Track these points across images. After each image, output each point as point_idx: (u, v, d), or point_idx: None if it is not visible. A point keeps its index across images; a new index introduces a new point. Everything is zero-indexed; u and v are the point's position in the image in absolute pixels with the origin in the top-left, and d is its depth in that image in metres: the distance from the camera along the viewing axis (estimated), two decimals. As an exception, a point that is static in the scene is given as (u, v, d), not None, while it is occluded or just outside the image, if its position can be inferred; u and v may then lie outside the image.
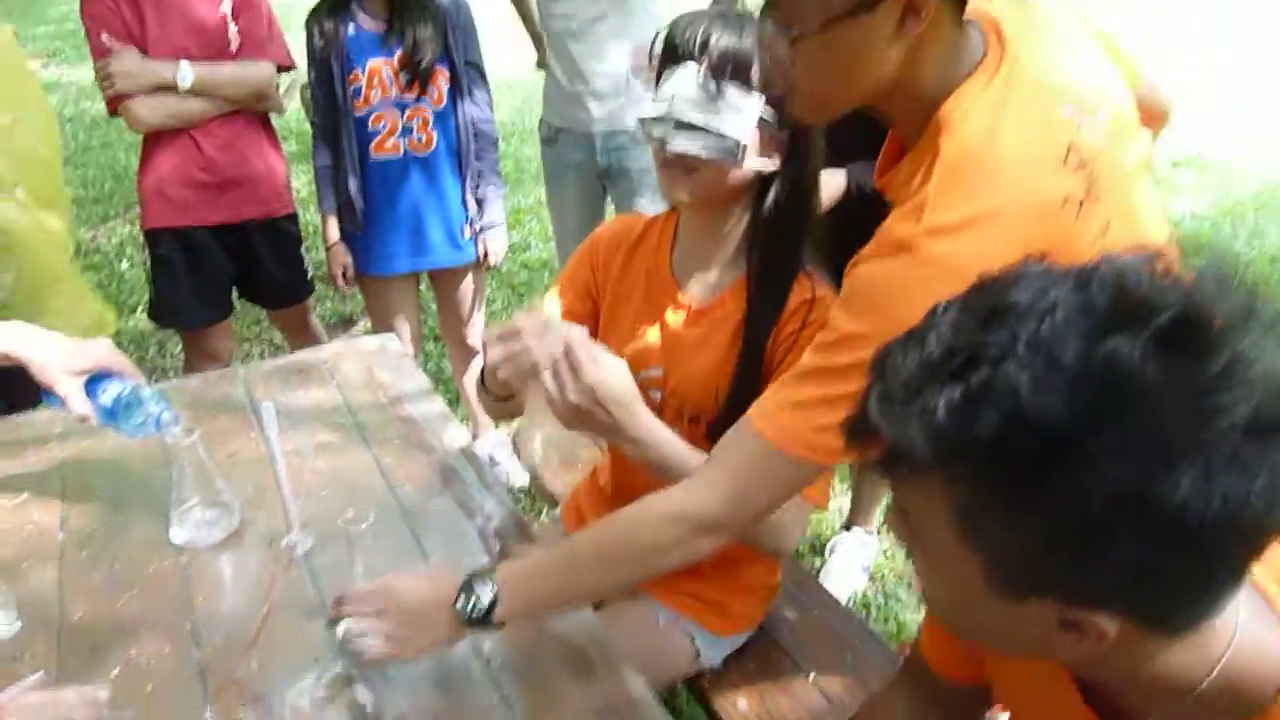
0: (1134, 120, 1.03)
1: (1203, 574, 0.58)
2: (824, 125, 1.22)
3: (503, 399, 1.36)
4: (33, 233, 1.94)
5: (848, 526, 2.44)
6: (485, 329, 2.27)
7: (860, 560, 2.38)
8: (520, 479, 2.70)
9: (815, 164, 1.27)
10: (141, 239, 2.38)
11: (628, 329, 1.42)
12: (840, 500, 2.56)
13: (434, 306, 2.71)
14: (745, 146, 1.21)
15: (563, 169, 2.52)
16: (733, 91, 1.18)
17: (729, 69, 1.18)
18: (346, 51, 2.21)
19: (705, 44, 1.18)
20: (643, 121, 1.25)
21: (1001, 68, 0.93)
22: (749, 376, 1.31)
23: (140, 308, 3.75)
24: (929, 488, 0.61)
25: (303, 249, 2.52)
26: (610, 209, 2.60)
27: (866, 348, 0.90)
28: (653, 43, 1.27)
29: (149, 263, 2.36)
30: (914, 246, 0.89)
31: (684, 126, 1.20)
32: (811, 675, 1.50)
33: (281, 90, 2.40)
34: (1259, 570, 0.69)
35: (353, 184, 2.29)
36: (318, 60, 2.24)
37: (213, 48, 2.22)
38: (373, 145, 2.28)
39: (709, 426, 1.35)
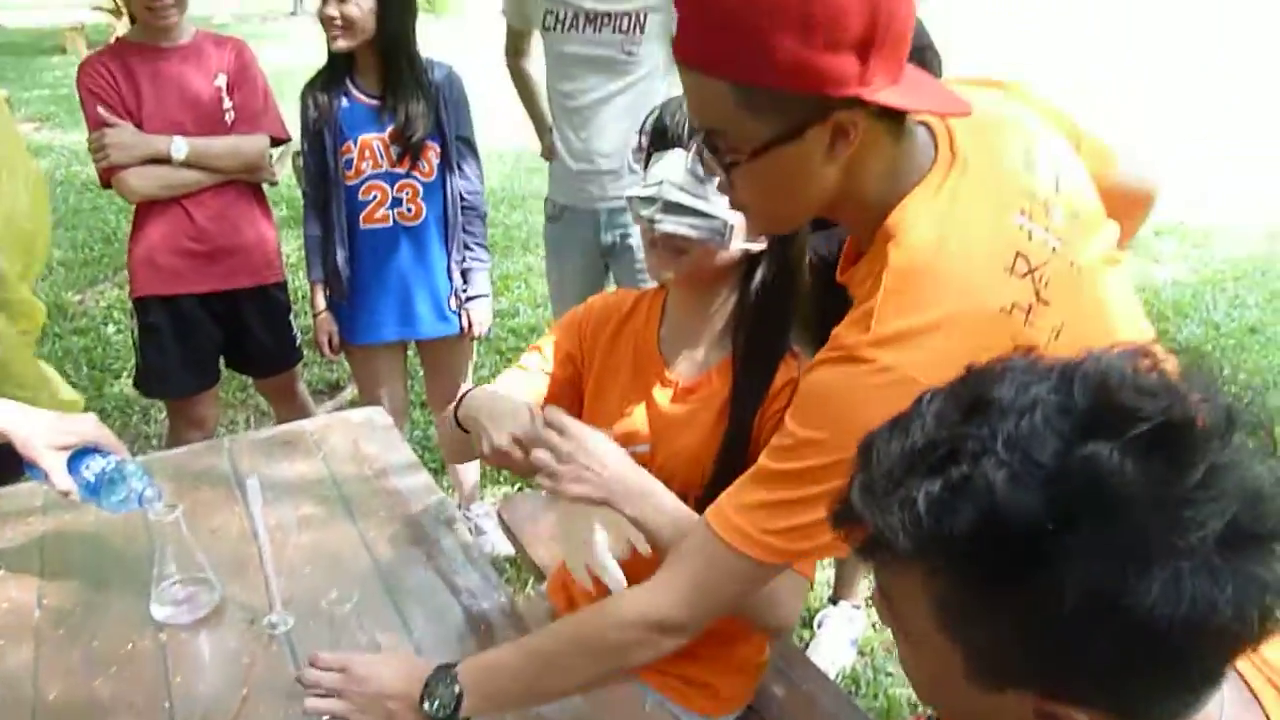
0: (1096, 215, 1.05)
1: (1177, 674, 0.58)
2: (787, 233, 1.25)
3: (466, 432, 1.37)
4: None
5: (834, 600, 2.42)
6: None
7: (848, 634, 2.36)
8: (505, 549, 2.68)
9: (802, 245, 1.29)
10: (130, 306, 2.39)
11: (615, 404, 1.43)
12: (826, 572, 2.55)
13: (421, 373, 2.72)
14: (733, 227, 1.23)
15: (566, 246, 2.55)
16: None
17: None
18: (340, 124, 2.25)
19: (694, 129, 1.21)
20: (631, 201, 1.28)
21: (950, 175, 0.95)
22: (735, 455, 1.31)
23: (126, 373, 3.74)
24: (910, 576, 0.62)
25: (291, 316, 2.53)
26: (612, 286, 2.63)
27: (818, 454, 0.94)
28: (642, 125, 1.30)
29: (137, 331, 2.36)
30: (861, 355, 0.90)
31: (673, 208, 1.23)
32: (800, 755, 1.48)
33: (274, 159, 2.44)
34: (1244, 665, 0.69)
35: (340, 254, 2.31)
36: (311, 131, 2.28)
37: (208, 121, 2.25)
38: (362, 215, 2.31)
39: (696, 502, 1.35)
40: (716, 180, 1.21)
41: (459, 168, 2.37)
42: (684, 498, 1.38)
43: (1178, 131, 7.51)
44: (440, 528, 1.57)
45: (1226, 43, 12.32)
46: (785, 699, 1.58)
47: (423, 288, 2.40)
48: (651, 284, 1.67)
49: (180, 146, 2.19)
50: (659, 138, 1.26)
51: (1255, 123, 8.02)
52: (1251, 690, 0.69)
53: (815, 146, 0.89)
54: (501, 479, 3.10)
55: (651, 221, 1.24)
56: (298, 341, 2.57)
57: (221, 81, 2.26)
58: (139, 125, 2.20)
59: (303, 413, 2.66)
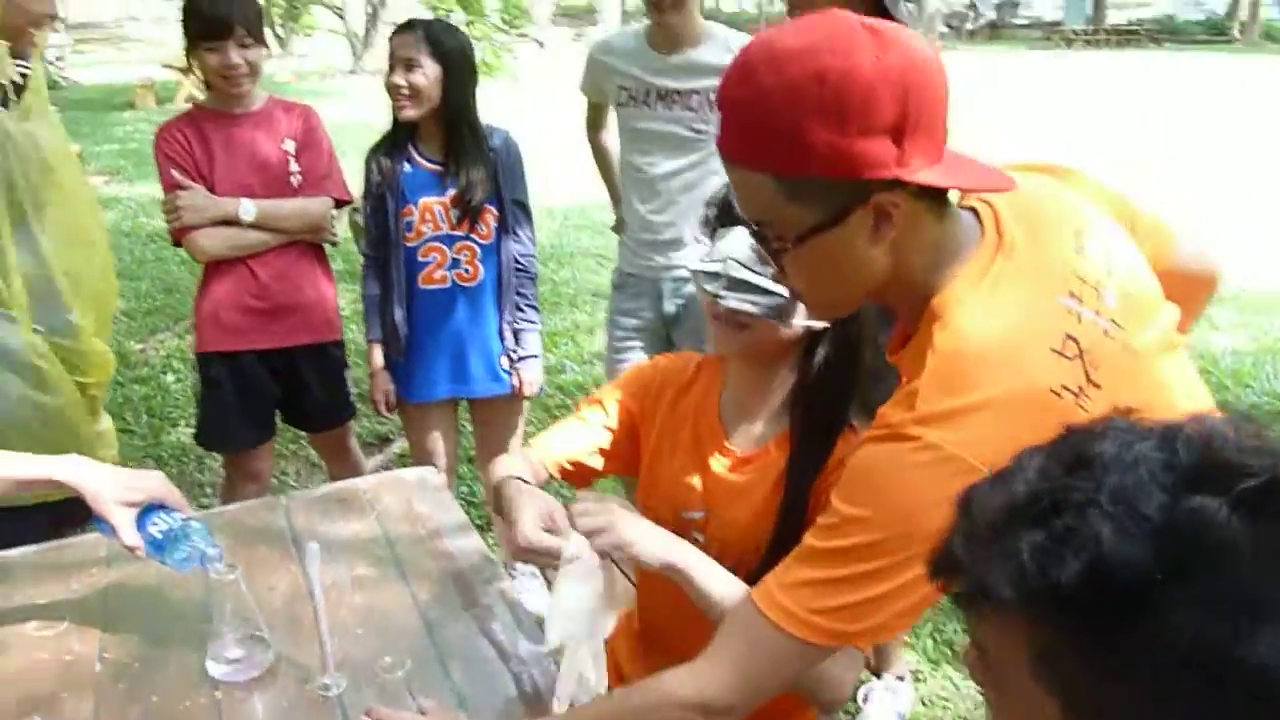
0: (1152, 298, 1.04)
1: None
2: (843, 317, 1.26)
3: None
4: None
5: (876, 673, 2.38)
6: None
7: (895, 708, 2.32)
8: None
9: (862, 323, 1.30)
10: (193, 360, 2.46)
11: (673, 468, 1.44)
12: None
13: (469, 427, 2.75)
14: (795, 305, 1.24)
15: (628, 314, 2.62)
16: None
17: None
18: (402, 188, 2.32)
19: (744, 220, 1.24)
20: (696, 275, 1.30)
21: (997, 258, 0.96)
22: (790, 529, 1.31)
23: (184, 422, 3.83)
24: (1009, 628, 0.62)
25: (346, 373, 2.58)
26: None
27: (863, 532, 0.94)
28: (710, 201, 1.34)
29: (199, 385, 2.43)
30: (906, 433, 0.91)
31: (737, 284, 1.25)
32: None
33: (334, 219, 2.51)
34: None
35: (399, 313, 2.37)
36: (374, 194, 2.35)
37: (275, 184, 2.33)
38: (421, 276, 2.36)
39: (749, 575, 1.35)
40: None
41: (514, 231, 2.43)
42: (735, 570, 1.38)
43: (1231, 201, 7.43)
44: (491, 592, 1.58)
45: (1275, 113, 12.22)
46: (834, 777, 1.55)
47: (476, 347, 2.44)
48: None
49: (249, 209, 2.27)
50: (724, 214, 1.29)
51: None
52: None
53: (859, 230, 0.91)
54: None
55: (716, 297, 1.27)
56: (351, 397, 2.62)
57: (290, 146, 2.34)
58: (210, 187, 2.28)
59: (354, 467, 2.71)
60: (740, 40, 2.34)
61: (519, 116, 8.87)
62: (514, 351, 2.48)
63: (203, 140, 2.29)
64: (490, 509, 2.80)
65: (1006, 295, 0.94)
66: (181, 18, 2.23)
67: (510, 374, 2.50)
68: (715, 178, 2.42)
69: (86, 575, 1.62)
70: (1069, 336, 0.93)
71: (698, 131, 2.36)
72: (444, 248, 2.35)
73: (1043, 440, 0.67)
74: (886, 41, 0.87)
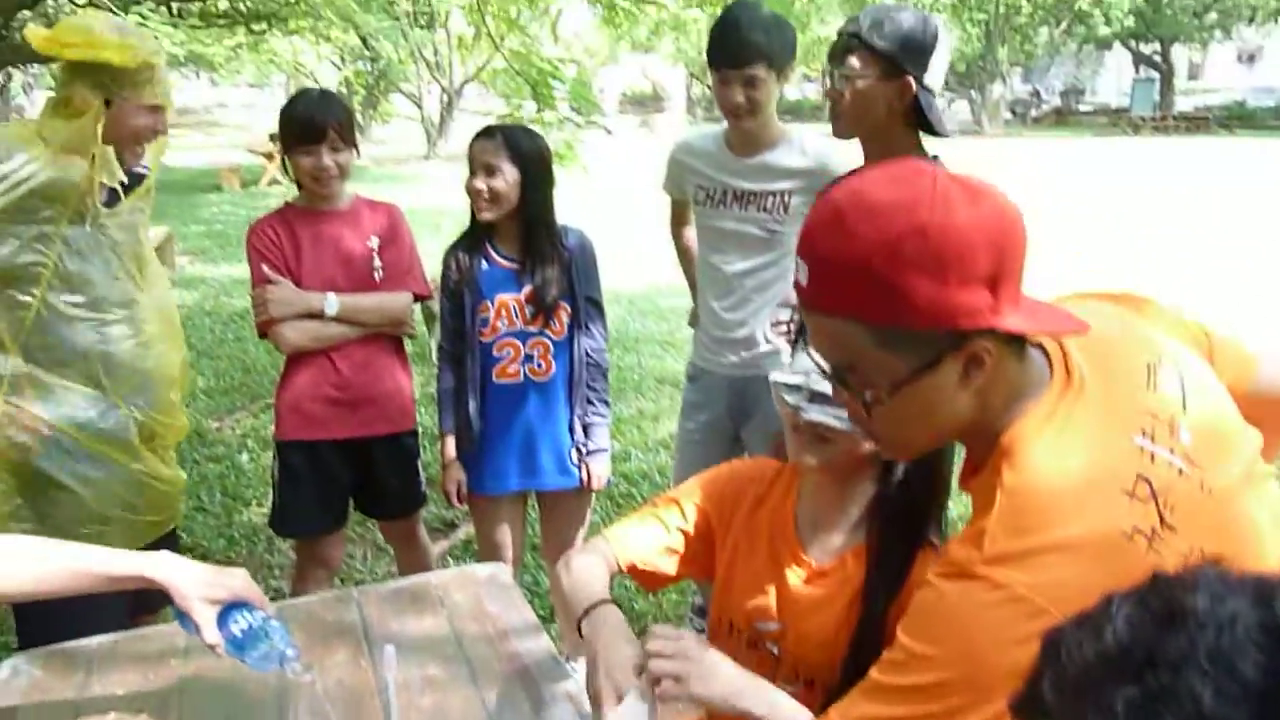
0: (1232, 430, 1.02)
1: None
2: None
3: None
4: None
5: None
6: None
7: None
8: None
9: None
10: (267, 440, 2.52)
11: (748, 578, 1.43)
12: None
13: (534, 514, 2.76)
14: None
15: (698, 408, 2.64)
16: None
17: None
18: (479, 285, 2.38)
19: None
20: (777, 385, 1.31)
21: (1066, 396, 0.95)
22: (867, 646, 1.28)
23: (255, 502, 3.90)
24: None
25: (419, 462, 2.62)
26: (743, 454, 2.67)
27: (929, 670, 0.92)
28: (793, 313, 1.35)
29: (277, 471, 2.49)
30: (974, 573, 0.90)
31: (819, 397, 1.25)
32: None
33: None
34: None
35: (472, 406, 2.41)
36: (451, 291, 2.41)
37: (358, 278, 2.41)
38: (495, 370, 2.41)
39: (825, 691, 1.33)
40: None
41: (587, 326, 2.47)
42: (811, 683, 1.36)
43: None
44: (558, 694, 1.57)
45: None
46: None
47: (547, 441, 2.47)
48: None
49: (333, 303, 2.35)
50: (806, 328, 1.30)
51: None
52: None
53: (950, 376, 0.92)
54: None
55: (797, 409, 1.27)
56: (423, 486, 2.66)
57: (374, 243, 2.43)
58: (297, 281, 2.37)
59: (422, 554, 2.73)
60: (815, 144, 2.38)
61: (587, 202, 9.06)
62: (584, 445, 2.50)
63: (292, 236, 2.39)
64: (554, 599, 2.79)
65: (1077, 434, 0.94)
66: (280, 122, 2.35)
67: (579, 467, 2.51)
68: (789, 279, 2.45)
69: (165, 667, 1.64)
70: (1141, 477, 0.92)
71: (771, 232, 2.40)
72: (518, 343, 2.39)
73: (1115, 584, 0.66)
74: (976, 193, 0.89)
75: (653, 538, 1.49)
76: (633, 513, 1.57)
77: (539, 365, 2.42)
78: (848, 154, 2.12)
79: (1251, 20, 29.12)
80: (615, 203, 11.94)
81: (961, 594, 0.91)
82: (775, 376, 1.32)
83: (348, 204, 2.45)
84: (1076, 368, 0.97)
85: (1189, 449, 0.95)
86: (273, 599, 2.10)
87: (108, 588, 1.35)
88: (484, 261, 2.39)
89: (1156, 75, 31.20)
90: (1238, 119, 27.75)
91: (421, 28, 18.13)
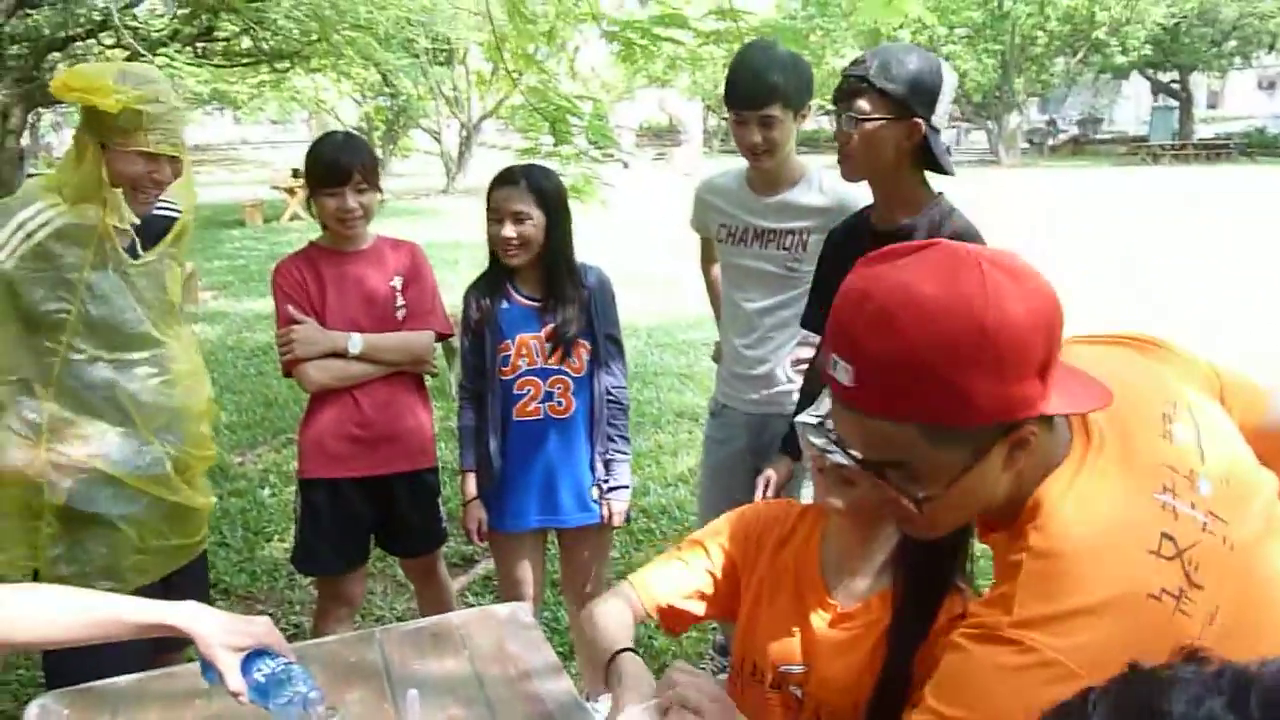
0: (1249, 475, 1.02)
1: None
2: None
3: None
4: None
5: None
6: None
7: None
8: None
9: None
10: (289, 475, 2.53)
11: (772, 620, 1.43)
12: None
13: (552, 550, 2.76)
14: None
15: (719, 444, 2.65)
16: None
17: None
18: (500, 324, 2.40)
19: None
20: (802, 426, 1.31)
21: (1088, 456, 0.95)
22: (891, 691, 1.28)
23: (277, 537, 3.92)
24: None
25: (439, 499, 2.63)
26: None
27: None
28: (818, 352, 1.36)
29: (299, 509, 2.50)
30: (1004, 636, 0.89)
31: (845, 440, 1.25)
32: None
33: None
34: None
35: (493, 443, 2.42)
36: (472, 330, 2.44)
37: (381, 316, 2.44)
38: (516, 408, 2.42)
39: (848, 734, 1.32)
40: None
41: (607, 364, 2.48)
42: (834, 727, 1.35)
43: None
44: (582, 741, 1.56)
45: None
46: None
47: (567, 478, 2.47)
48: (803, 496, 1.68)
49: (356, 342, 2.38)
50: None
51: None
52: None
53: (996, 461, 0.92)
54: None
55: (823, 452, 1.27)
56: (443, 522, 2.67)
57: (397, 282, 2.46)
58: (321, 320, 2.40)
59: (442, 590, 2.73)
60: (833, 182, 2.40)
61: (604, 235, 9.11)
62: (604, 481, 2.51)
63: (316, 276, 2.42)
64: (575, 640, 2.79)
65: (1100, 495, 0.94)
66: (305, 164, 2.39)
67: (600, 504, 2.52)
68: None
69: (189, 707, 1.65)
70: (1165, 535, 0.91)
71: (791, 270, 2.41)
72: (538, 381, 2.41)
73: (1143, 645, 0.65)
74: (1020, 278, 0.88)
75: (678, 581, 1.49)
76: (658, 556, 1.57)
77: (559, 403, 2.43)
78: (865, 192, 2.14)
79: (1271, 48, 29.11)
80: (632, 236, 12.01)
81: (992, 658, 0.90)
82: (801, 418, 1.32)
83: (371, 243, 2.49)
84: (1095, 425, 0.97)
85: (1210, 501, 0.95)
86: (293, 635, 2.12)
87: (135, 635, 1.37)
88: (504, 301, 2.42)
89: (1175, 103, 31.18)
90: (1259, 146, 27.65)
91: (440, 64, 18.44)
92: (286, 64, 17.14)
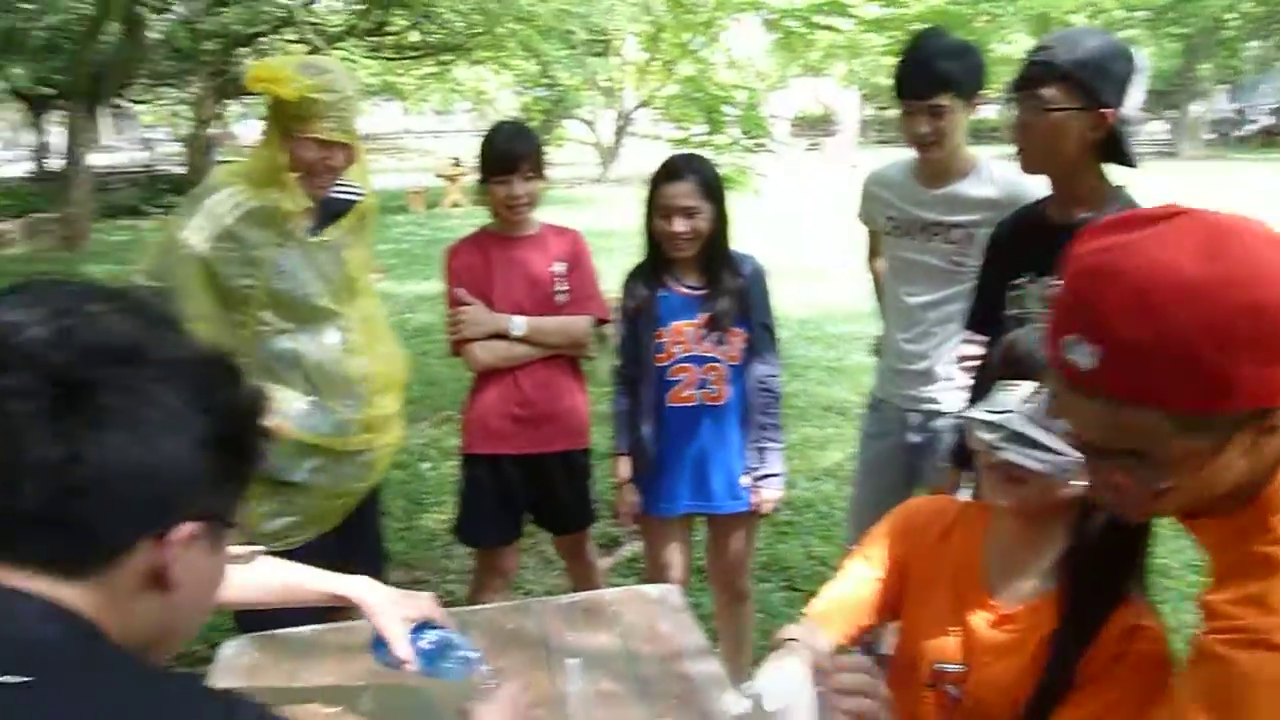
0: None
1: None
2: None
3: None
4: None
5: None
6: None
7: None
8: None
9: None
10: (447, 451, 2.65)
11: (932, 618, 1.41)
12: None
13: (697, 537, 2.79)
14: (1079, 466, 1.20)
15: (875, 439, 2.62)
16: None
17: None
18: (657, 311, 2.44)
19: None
20: (972, 421, 1.28)
21: None
22: (1050, 696, 1.24)
23: (435, 508, 4.12)
24: None
25: (590, 480, 2.71)
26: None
27: None
28: (994, 348, 1.33)
29: (463, 483, 2.63)
30: (1272, 643, 0.84)
31: (1018, 438, 1.22)
32: None
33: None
34: None
35: (647, 429, 2.46)
36: (629, 317, 2.49)
37: (542, 300, 2.53)
38: (670, 394, 2.46)
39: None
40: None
41: (760, 353, 2.49)
42: (990, 729, 1.32)
43: None
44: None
45: None
46: None
47: (719, 464, 2.50)
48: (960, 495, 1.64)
49: (519, 325, 2.47)
50: (1011, 367, 1.28)
51: None
52: None
53: (1238, 449, 0.86)
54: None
55: (992, 448, 1.24)
56: (593, 503, 2.74)
57: (559, 268, 2.54)
58: (488, 303, 2.50)
59: (590, 568, 2.81)
60: (1005, 173, 2.32)
61: (756, 225, 9.06)
62: (755, 469, 2.52)
63: (485, 260, 2.53)
64: (718, 623, 2.81)
65: None
66: (480, 153, 2.49)
67: (749, 491, 2.53)
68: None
69: (361, 659, 1.75)
70: None
71: (956, 264, 2.35)
72: (693, 368, 2.44)
73: None
74: None
75: (859, 604, 1.49)
76: (829, 582, 1.56)
77: (713, 390, 2.45)
78: (1039, 185, 2.06)
79: None
80: (784, 226, 11.90)
81: (1260, 667, 0.85)
82: (972, 412, 1.29)
83: (536, 230, 2.58)
84: None
85: None
86: (448, 603, 2.23)
87: (315, 603, 1.54)
88: (663, 289, 2.45)
89: (1386, 91, 28.38)
90: None
91: (597, 55, 18.74)
92: (450, 56, 17.87)
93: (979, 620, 1.35)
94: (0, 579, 0.73)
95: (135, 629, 0.78)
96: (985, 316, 2.10)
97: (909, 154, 2.43)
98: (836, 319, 7.37)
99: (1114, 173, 1.95)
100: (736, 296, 2.42)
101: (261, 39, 15.83)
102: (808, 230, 11.87)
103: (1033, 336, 1.27)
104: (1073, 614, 1.25)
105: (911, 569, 1.47)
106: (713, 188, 2.37)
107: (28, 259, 11.71)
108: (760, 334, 2.48)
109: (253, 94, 2.24)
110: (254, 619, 1.96)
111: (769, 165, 8.67)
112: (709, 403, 2.46)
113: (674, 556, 2.61)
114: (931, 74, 2.21)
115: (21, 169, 20.52)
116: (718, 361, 2.44)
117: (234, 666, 1.75)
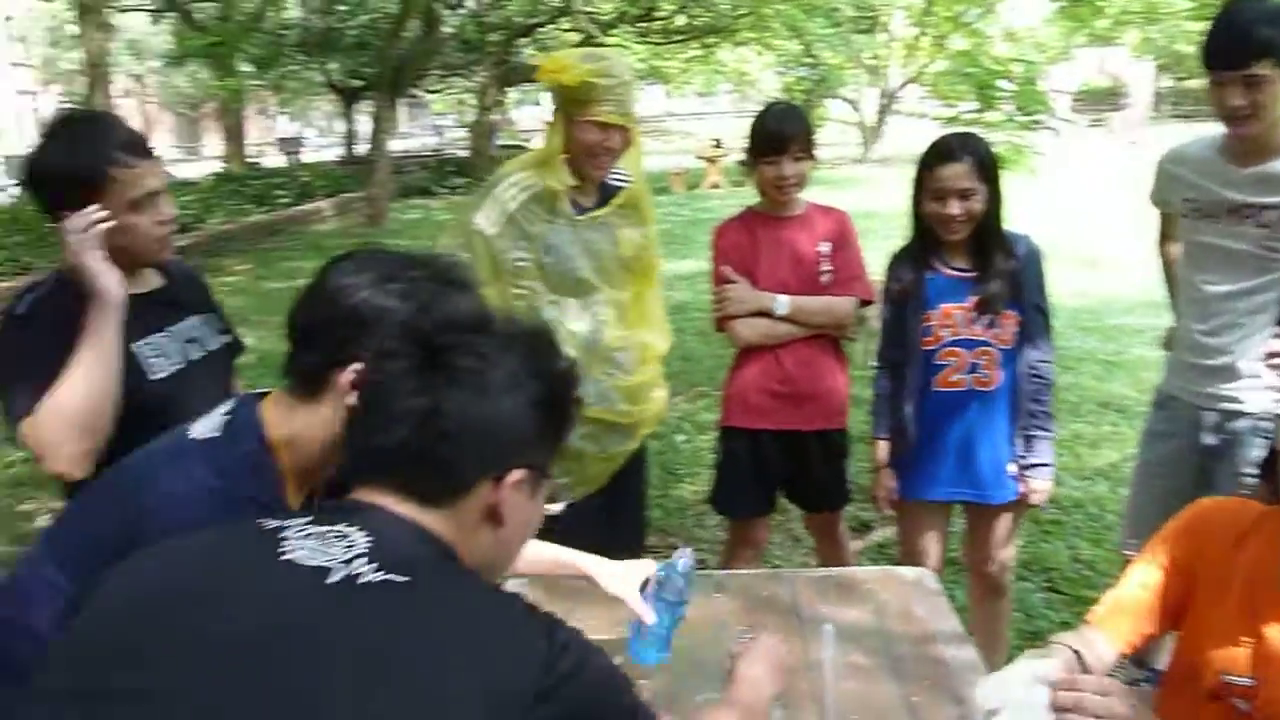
0: None
1: None
2: None
3: None
4: None
5: None
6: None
7: None
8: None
9: None
10: (703, 425, 2.75)
11: (1220, 626, 1.33)
12: None
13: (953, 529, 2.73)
14: None
15: (1161, 438, 2.46)
16: None
17: None
18: (925, 294, 2.39)
19: None
20: None
21: None
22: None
23: (688, 478, 4.27)
24: None
25: (846, 461, 2.71)
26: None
27: None
28: None
29: (720, 454, 2.72)
30: None
31: None
32: None
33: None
34: None
35: (909, 411, 2.43)
36: (893, 299, 2.46)
37: (807, 280, 2.56)
38: (937, 379, 2.41)
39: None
40: None
41: (1033, 337, 2.39)
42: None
43: None
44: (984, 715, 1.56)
45: None
46: None
47: (985, 451, 2.42)
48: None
49: (783, 303, 2.52)
50: None
51: None
52: None
53: None
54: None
55: None
56: (848, 484, 2.74)
57: (824, 248, 2.55)
58: (753, 281, 2.56)
59: (840, 549, 2.82)
60: None
61: (1033, 207, 8.54)
62: (1023, 458, 2.42)
63: (752, 239, 2.59)
64: (973, 617, 2.73)
65: None
66: (750, 133, 2.55)
67: (1017, 480, 2.44)
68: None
69: (627, 609, 1.89)
70: None
71: (1268, 250, 2.13)
72: (963, 352, 2.37)
73: None
74: None
75: (1140, 615, 1.43)
76: (1109, 591, 1.50)
77: (984, 375, 2.38)
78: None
79: None
80: (1063, 209, 11.11)
81: None
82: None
83: (803, 210, 2.61)
84: None
85: None
86: (701, 568, 2.34)
87: (567, 574, 1.74)
88: (931, 271, 2.40)
89: None
90: None
91: (862, 32, 18.27)
92: (715, 39, 18.09)
93: (1275, 633, 1.26)
94: (378, 501, 0.91)
95: (474, 556, 0.97)
96: None
97: (1209, 130, 2.23)
98: (1116, 310, 6.83)
99: None
100: (1009, 278, 2.33)
101: (540, 29, 16.80)
102: (1089, 214, 11.01)
103: None
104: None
105: (1200, 573, 1.39)
106: (988, 168, 2.29)
107: (340, 233, 13.16)
108: (1034, 317, 2.38)
109: (531, 81, 2.47)
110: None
111: (1047, 143, 8.13)
112: (979, 388, 2.38)
113: (930, 545, 2.56)
114: (1248, 40, 2.01)
115: (334, 154, 23.09)
116: (989, 345, 2.36)
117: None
